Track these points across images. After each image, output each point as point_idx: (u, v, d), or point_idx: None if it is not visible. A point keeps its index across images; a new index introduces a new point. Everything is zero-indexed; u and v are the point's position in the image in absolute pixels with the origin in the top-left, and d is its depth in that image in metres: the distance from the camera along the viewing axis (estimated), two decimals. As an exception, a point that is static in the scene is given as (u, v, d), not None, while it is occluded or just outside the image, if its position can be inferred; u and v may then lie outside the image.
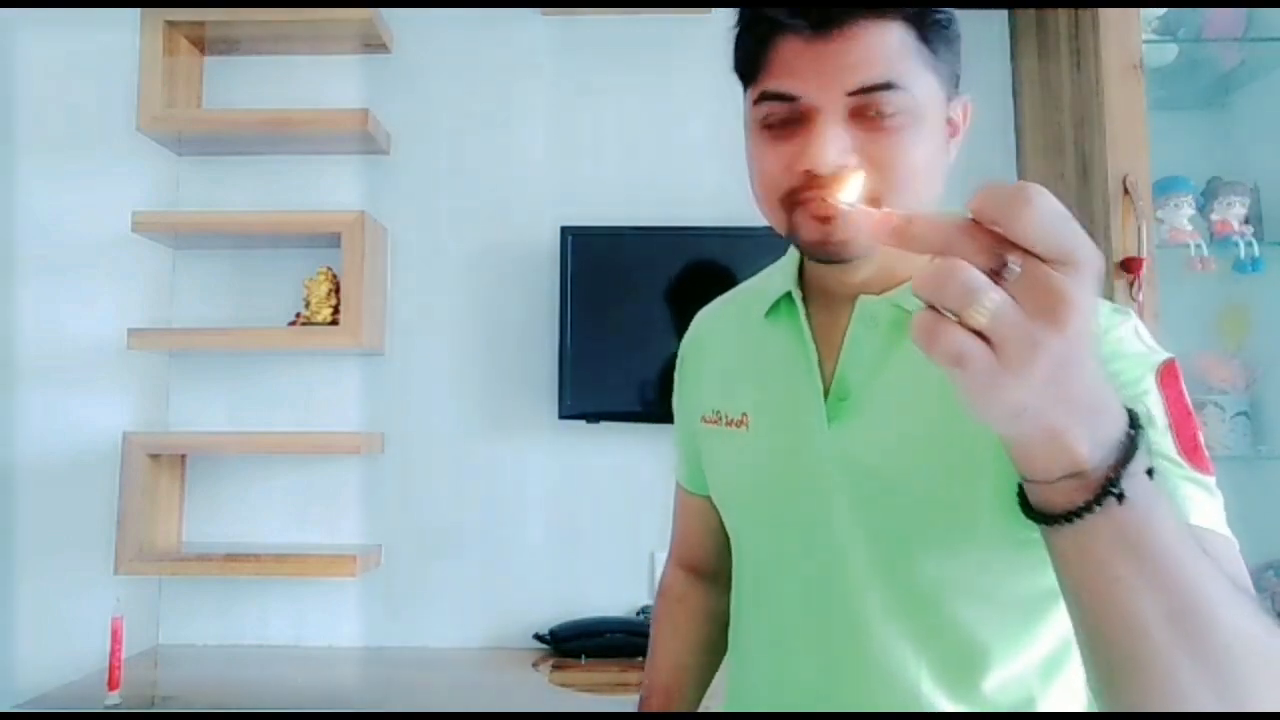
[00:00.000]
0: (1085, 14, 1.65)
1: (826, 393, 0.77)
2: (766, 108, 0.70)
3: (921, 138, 0.68)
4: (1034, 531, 0.52)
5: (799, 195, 0.70)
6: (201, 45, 1.99)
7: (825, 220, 0.69)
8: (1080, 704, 0.74)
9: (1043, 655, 0.72)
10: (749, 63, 0.72)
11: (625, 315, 1.87)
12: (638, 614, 1.84)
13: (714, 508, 0.94)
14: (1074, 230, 0.42)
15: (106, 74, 1.97)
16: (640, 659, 1.73)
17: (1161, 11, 1.72)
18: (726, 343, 0.91)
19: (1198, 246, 1.62)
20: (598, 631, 1.79)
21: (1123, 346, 0.68)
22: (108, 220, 1.92)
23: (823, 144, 0.66)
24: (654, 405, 1.83)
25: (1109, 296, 1.54)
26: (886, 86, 0.66)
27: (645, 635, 1.73)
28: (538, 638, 1.82)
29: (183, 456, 1.92)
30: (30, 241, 1.96)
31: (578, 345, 1.85)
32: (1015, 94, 1.98)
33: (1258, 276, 1.65)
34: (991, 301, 0.41)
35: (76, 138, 1.98)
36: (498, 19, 2.02)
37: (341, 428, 1.92)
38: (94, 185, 1.97)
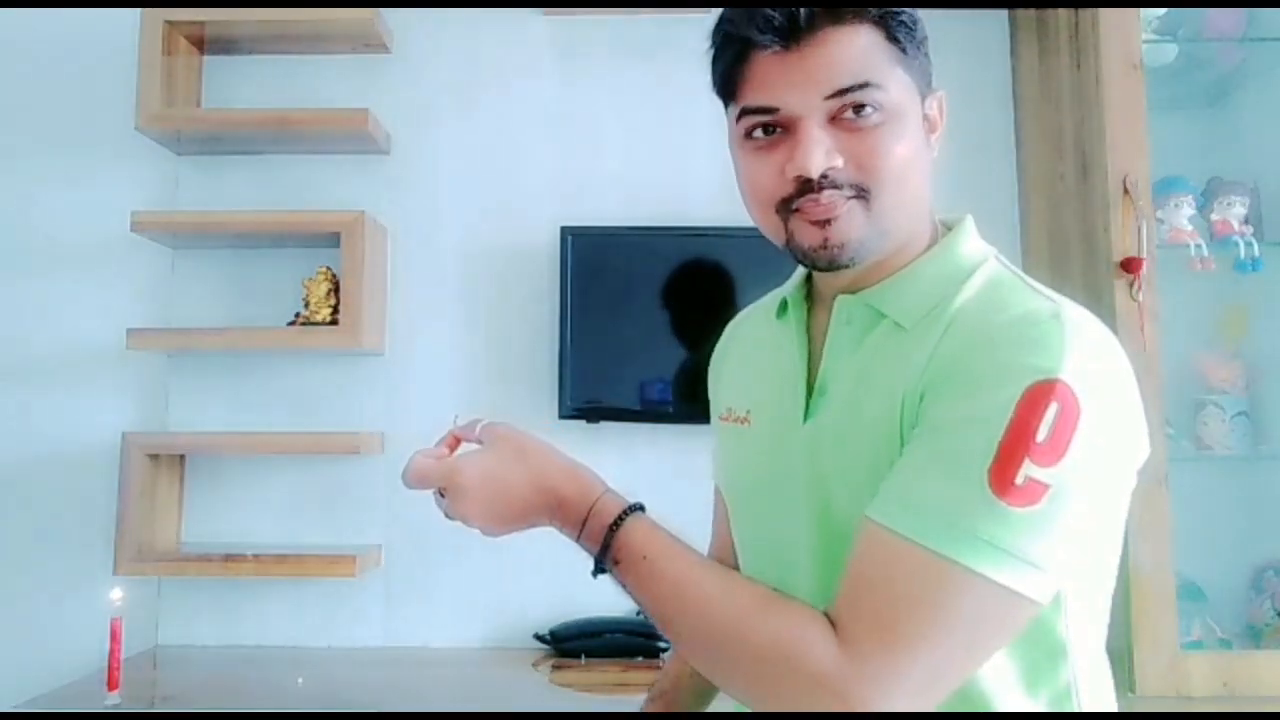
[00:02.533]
0: (1085, 14, 1.64)
1: (810, 390, 0.80)
2: (749, 122, 0.74)
3: (901, 133, 0.71)
4: None
5: (793, 202, 0.72)
6: (201, 44, 1.99)
7: (822, 224, 0.72)
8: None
9: None
10: (727, 82, 0.75)
11: (625, 315, 1.86)
12: (638, 614, 1.82)
13: None
14: (441, 478, 0.78)
15: (105, 73, 1.96)
16: (640, 659, 1.74)
17: (1161, 11, 1.72)
18: (746, 345, 0.94)
19: (1198, 246, 1.62)
20: (598, 631, 1.78)
21: (1003, 356, 0.66)
22: (107, 220, 1.92)
23: (808, 148, 0.70)
24: (654, 405, 1.83)
25: (1109, 296, 1.54)
26: (861, 86, 0.69)
27: (645, 635, 1.76)
28: (538, 638, 1.82)
29: (182, 456, 1.92)
30: (29, 241, 1.96)
31: (578, 345, 1.85)
32: (1015, 94, 1.98)
33: (1258, 276, 1.65)
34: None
35: (75, 137, 1.98)
36: (498, 19, 2.02)
37: (341, 428, 1.92)
38: (93, 185, 1.97)
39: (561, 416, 1.85)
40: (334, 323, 1.83)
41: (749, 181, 0.76)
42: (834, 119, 0.70)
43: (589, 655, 1.76)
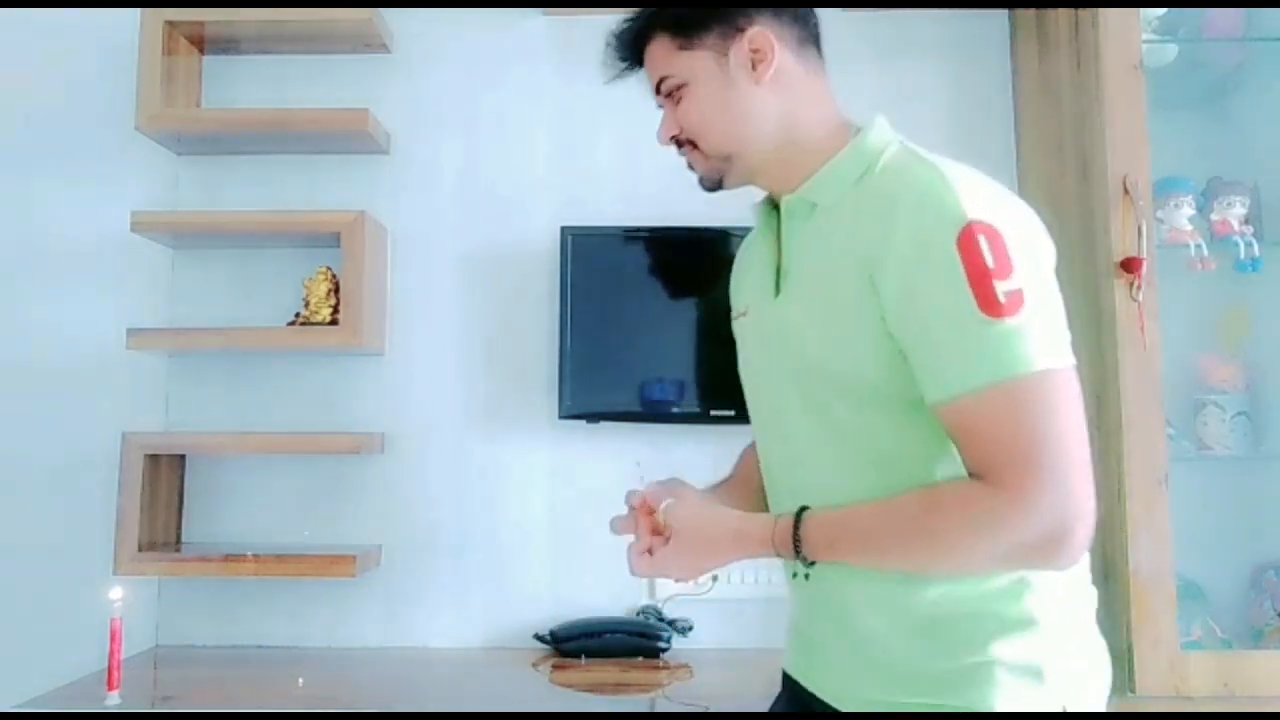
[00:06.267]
0: (1085, 14, 1.64)
1: (779, 274, 1.02)
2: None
3: (696, 98, 1.02)
4: (916, 395, 0.87)
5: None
6: (201, 44, 1.99)
7: (692, 167, 1.09)
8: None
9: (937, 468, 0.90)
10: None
11: (625, 315, 1.86)
12: (638, 614, 1.84)
13: None
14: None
15: (105, 73, 1.96)
16: (640, 659, 1.74)
17: (1161, 11, 1.71)
18: (744, 257, 1.16)
19: (1198, 246, 1.62)
20: (598, 631, 1.79)
21: (920, 227, 0.85)
22: (107, 220, 1.92)
23: (660, 127, 1.09)
24: (654, 405, 1.83)
25: (1109, 296, 1.54)
26: (662, 80, 1.05)
27: (645, 635, 1.76)
28: (538, 638, 1.82)
29: (182, 456, 1.92)
30: (30, 241, 1.96)
31: (578, 345, 1.85)
32: (1015, 94, 1.98)
33: (1258, 276, 1.65)
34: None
35: (75, 137, 1.98)
36: (498, 19, 2.02)
37: (341, 428, 1.92)
38: (93, 185, 1.97)
39: (562, 417, 1.85)
40: (334, 323, 1.83)
41: None
42: (667, 99, 1.05)
43: (589, 655, 1.76)
